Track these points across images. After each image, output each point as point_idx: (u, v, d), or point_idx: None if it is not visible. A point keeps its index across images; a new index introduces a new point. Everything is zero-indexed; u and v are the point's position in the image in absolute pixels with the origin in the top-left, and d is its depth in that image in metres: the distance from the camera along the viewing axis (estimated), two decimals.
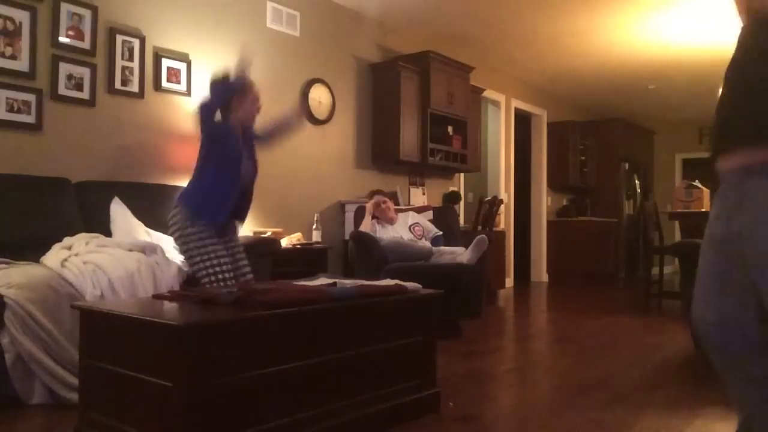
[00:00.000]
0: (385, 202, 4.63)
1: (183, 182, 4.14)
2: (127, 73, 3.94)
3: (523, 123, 8.37)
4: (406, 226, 4.60)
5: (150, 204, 3.72)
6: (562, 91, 8.79)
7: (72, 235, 3.11)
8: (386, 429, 2.25)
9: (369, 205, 4.60)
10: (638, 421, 2.44)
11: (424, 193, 6.31)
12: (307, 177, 5.15)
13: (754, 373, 1.28)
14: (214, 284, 2.92)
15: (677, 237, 7.67)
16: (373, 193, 4.83)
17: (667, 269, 6.37)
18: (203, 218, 2.99)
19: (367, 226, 4.47)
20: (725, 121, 1.33)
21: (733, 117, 1.32)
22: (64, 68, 3.62)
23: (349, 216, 5.14)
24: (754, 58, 1.33)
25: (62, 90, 3.61)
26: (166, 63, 4.14)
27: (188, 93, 4.27)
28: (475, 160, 6.60)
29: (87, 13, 3.73)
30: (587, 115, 9.60)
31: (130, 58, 3.95)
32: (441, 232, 4.72)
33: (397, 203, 5.01)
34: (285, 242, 4.44)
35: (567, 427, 2.37)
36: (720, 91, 1.41)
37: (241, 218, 3.28)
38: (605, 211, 9.18)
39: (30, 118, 3.48)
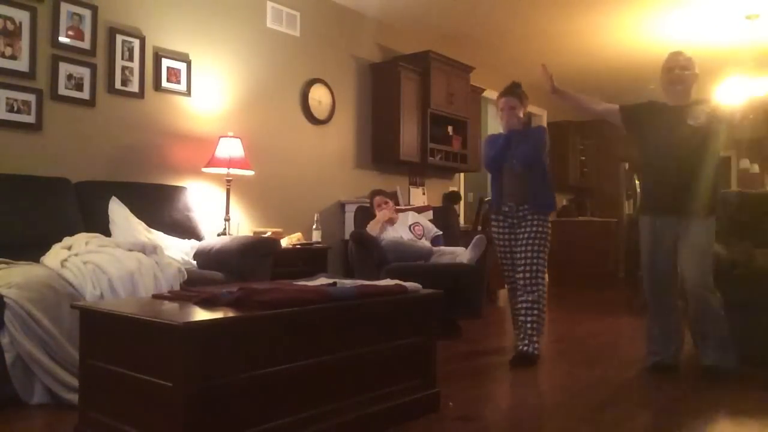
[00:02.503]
0: (386, 203, 4.61)
1: (183, 182, 4.16)
2: (127, 73, 3.94)
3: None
4: (406, 226, 4.59)
5: (150, 204, 3.72)
6: None
7: (72, 235, 3.11)
8: (386, 429, 2.25)
9: (382, 216, 4.50)
10: (638, 421, 2.44)
11: (424, 193, 6.31)
12: (307, 177, 5.15)
13: None
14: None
15: None
16: (374, 193, 4.81)
17: None
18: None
19: (374, 230, 4.44)
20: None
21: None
22: (64, 68, 3.62)
23: (349, 216, 5.14)
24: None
25: (62, 90, 3.61)
26: (166, 63, 4.14)
27: (188, 93, 4.27)
28: (475, 160, 6.59)
29: (87, 13, 3.73)
30: (587, 115, 9.59)
31: (130, 58, 3.96)
32: (441, 232, 4.72)
33: (397, 203, 5.00)
34: (285, 242, 4.44)
35: (566, 427, 2.37)
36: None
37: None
38: (605, 211, 9.17)
39: (30, 118, 3.48)
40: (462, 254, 4.25)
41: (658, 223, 3.14)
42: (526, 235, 3.44)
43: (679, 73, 3.15)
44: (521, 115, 3.58)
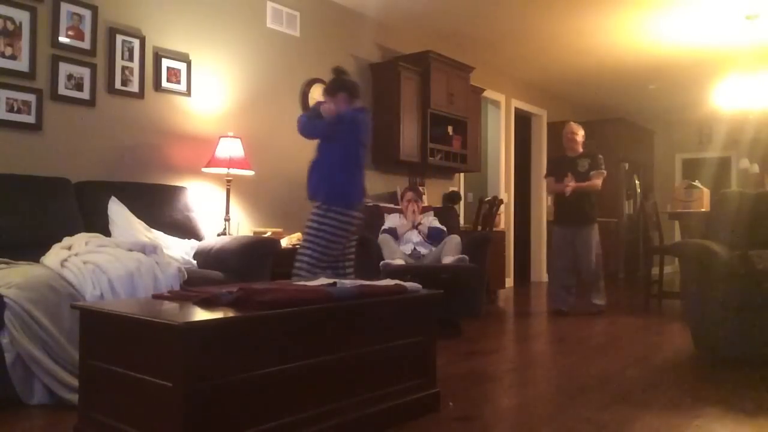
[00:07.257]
0: (415, 201, 4.70)
1: (182, 182, 4.16)
2: (127, 73, 3.94)
3: (523, 123, 8.36)
4: (415, 230, 4.62)
5: (150, 204, 3.72)
6: (562, 91, 8.78)
7: (72, 235, 3.11)
8: (386, 429, 2.25)
9: (410, 214, 4.67)
10: (638, 421, 2.44)
11: (424, 193, 6.30)
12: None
13: None
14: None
15: (677, 237, 7.67)
16: (407, 189, 4.88)
17: (667, 269, 6.36)
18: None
19: (395, 222, 4.62)
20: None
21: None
22: (64, 68, 3.62)
23: None
24: None
25: (62, 90, 3.61)
26: (166, 63, 4.14)
27: (188, 93, 4.27)
28: (475, 160, 6.59)
29: (87, 13, 3.73)
30: (587, 115, 9.60)
31: (130, 58, 3.95)
32: (444, 228, 4.71)
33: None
34: (285, 242, 4.43)
35: (567, 427, 2.37)
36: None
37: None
38: (605, 211, 9.15)
39: (30, 118, 3.48)
40: (446, 257, 4.28)
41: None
42: None
43: (570, 137, 5.42)
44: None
